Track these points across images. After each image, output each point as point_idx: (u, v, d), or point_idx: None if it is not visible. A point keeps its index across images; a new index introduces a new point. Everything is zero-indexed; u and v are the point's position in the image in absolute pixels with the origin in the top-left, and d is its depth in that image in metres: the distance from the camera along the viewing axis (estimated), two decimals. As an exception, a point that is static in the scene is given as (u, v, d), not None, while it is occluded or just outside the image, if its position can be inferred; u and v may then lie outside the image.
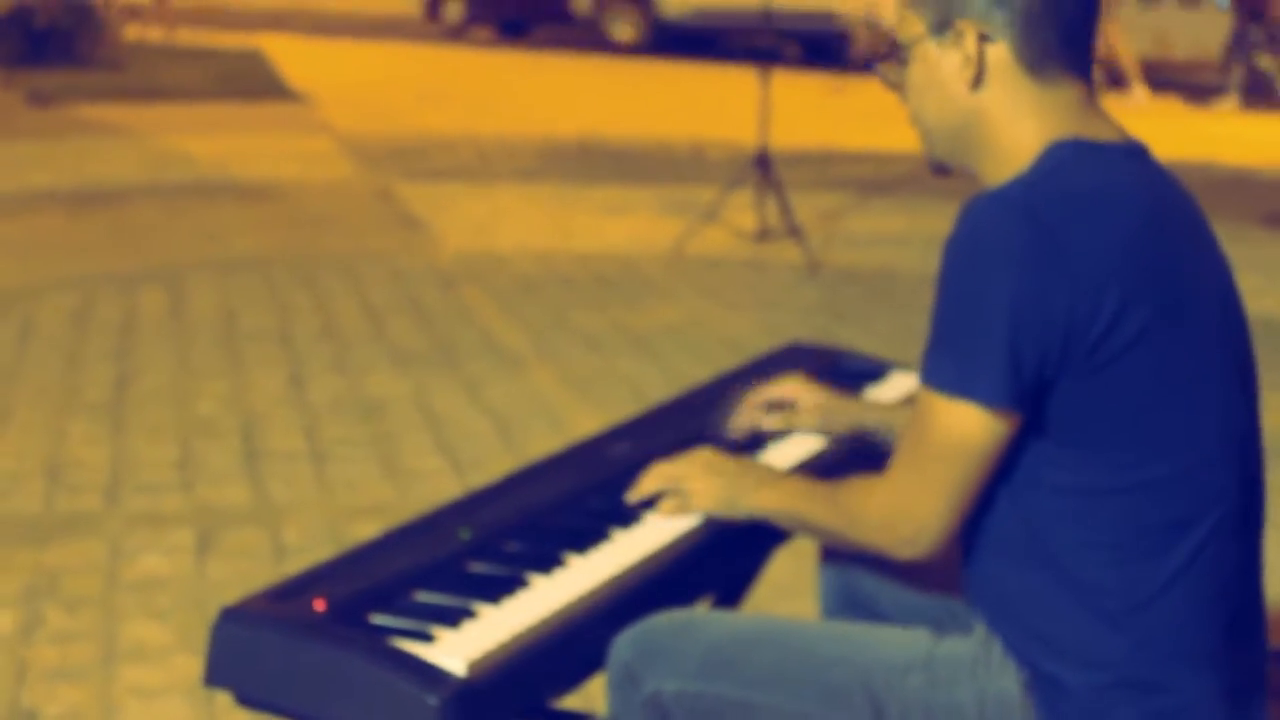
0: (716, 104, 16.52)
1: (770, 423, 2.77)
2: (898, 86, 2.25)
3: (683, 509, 2.42)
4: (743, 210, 9.44)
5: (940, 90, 2.16)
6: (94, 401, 5.81)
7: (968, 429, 2.00)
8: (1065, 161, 2.05)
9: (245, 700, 2.12)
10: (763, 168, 9.13)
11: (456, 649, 2.02)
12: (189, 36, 22.81)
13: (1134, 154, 2.12)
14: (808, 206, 10.04)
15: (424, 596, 2.17)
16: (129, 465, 5.14)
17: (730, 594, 3.04)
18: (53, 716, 3.55)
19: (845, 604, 2.62)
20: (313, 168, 11.69)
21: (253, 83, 17.29)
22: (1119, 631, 2.03)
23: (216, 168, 11.45)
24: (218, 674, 2.10)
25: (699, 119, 15.27)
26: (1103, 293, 1.94)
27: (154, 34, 22.07)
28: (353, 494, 4.95)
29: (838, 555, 2.63)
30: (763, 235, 9.16)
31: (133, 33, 20.09)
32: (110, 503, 4.82)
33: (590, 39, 24.83)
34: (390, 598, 2.16)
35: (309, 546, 4.45)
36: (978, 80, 2.12)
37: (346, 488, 4.99)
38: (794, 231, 8.92)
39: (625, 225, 9.82)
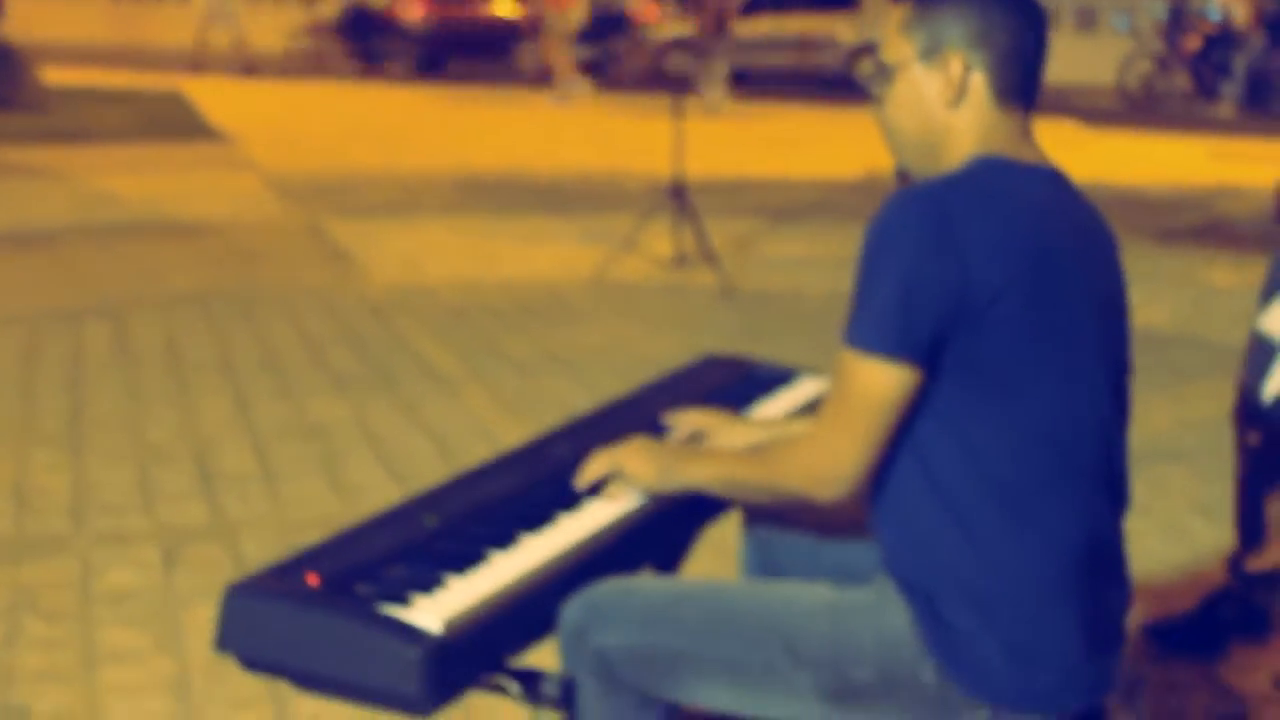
0: (632, 135, 16.94)
1: None
2: (879, 100, 2.65)
3: (627, 486, 2.78)
4: (660, 237, 9.85)
5: (920, 107, 2.58)
6: (51, 431, 6.12)
7: (875, 379, 2.40)
8: (980, 170, 2.49)
9: (251, 664, 2.46)
10: (678, 197, 9.54)
11: (431, 610, 2.38)
12: (108, 79, 23.02)
13: (1046, 175, 2.55)
14: (722, 232, 10.46)
15: (399, 570, 2.53)
16: (91, 489, 5.46)
17: (668, 562, 3.42)
18: (44, 713, 3.87)
19: (761, 565, 3.02)
20: (242, 205, 12.01)
21: (175, 123, 17.58)
22: (992, 566, 2.42)
23: (147, 207, 11.74)
24: (227, 641, 2.45)
25: (616, 151, 15.68)
26: (988, 270, 2.36)
27: (79, 77, 22.23)
28: (303, 508, 5.29)
29: (757, 521, 3.02)
30: (680, 261, 9.56)
31: (55, 75, 20.26)
32: (77, 523, 5.14)
33: (504, 72, 25.31)
34: (371, 572, 2.51)
35: (266, 557, 4.78)
36: (956, 101, 2.54)
37: (297, 503, 5.33)
38: (709, 257, 9.32)
39: (547, 254, 10.20)
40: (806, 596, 2.59)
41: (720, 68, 21.65)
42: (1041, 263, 2.42)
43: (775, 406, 3.46)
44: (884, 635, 2.48)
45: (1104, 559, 2.53)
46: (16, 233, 10.59)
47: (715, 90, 21.22)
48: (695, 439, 3.12)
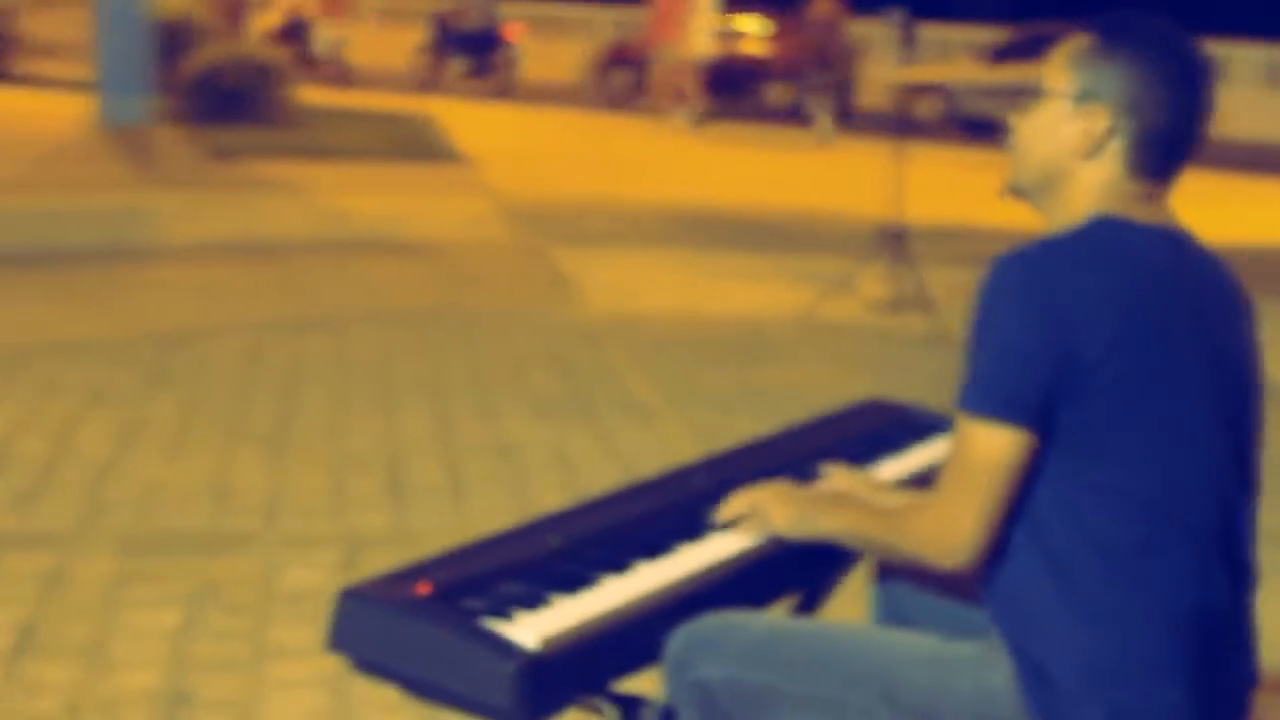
0: (860, 176, 16.96)
1: None
2: (1023, 110, 2.67)
3: (762, 528, 2.85)
4: (875, 281, 9.88)
5: (1055, 142, 2.59)
6: (258, 433, 6.39)
7: (989, 445, 2.44)
8: (1092, 231, 2.50)
9: (360, 665, 2.60)
10: (896, 240, 9.57)
11: (531, 628, 2.48)
12: (365, 100, 23.68)
13: (1165, 235, 2.55)
14: (939, 280, 10.45)
15: (510, 586, 2.64)
16: (285, 491, 5.70)
17: (802, 606, 3.49)
18: (207, 700, 4.08)
19: (889, 617, 3.05)
20: (471, 228, 12.32)
21: (421, 146, 18.02)
22: (1098, 630, 2.43)
23: (379, 226, 12.11)
24: (338, 641, 2.59)
25: (842, 190, 15.71)
26: (1095, 332, 2.38)
27: (331, 97, 22.90)
28: (485, 523, 5.38)
29: (887, 574, 3.07)
30: (894, 305, 9.58)
31: (311, 95, 20.89)
32: (267, 522, 5.37)
33: (749, 108, 25.46)
34: (482, 586, 2.63)
35: (441, 569, 4.95)
36: (1088, 155, 2.56)
37: (480, 518, 5.49)
38: (924, 302, 9.34)
39: (761, 291, 10.29)
40: (911, 645, 2.63)
41: (827, 100, 21.87)
42: (1150, 326, 2.43)
43: (928, 454, 3.46)
44: (984, 691, 2.51)
45: (1221, 631, 2.51)
46: (250, 244, 11.01)
47: (824, 124, 21.43)
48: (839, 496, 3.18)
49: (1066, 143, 2.57)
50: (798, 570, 3.02)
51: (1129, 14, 2.60)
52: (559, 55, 31.56)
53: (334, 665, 4.23)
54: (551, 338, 8.48)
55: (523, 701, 2.40)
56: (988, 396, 2.43)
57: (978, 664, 2.54)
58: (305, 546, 5.15)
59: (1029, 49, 25.71)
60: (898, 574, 3.03)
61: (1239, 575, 2.57)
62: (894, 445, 3.49)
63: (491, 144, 18.54)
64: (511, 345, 8.23)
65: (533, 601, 2.57)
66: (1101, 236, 2.49)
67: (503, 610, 2.53)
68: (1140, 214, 2.55)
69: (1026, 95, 2.67)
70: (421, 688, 2.55)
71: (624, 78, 27.41)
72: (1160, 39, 2.55)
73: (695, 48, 23.66)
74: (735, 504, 2.89)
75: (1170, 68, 2.53)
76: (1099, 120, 2.54)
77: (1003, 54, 26.08)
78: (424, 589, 2.59)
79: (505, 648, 2.42)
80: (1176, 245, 2.56)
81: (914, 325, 9.26)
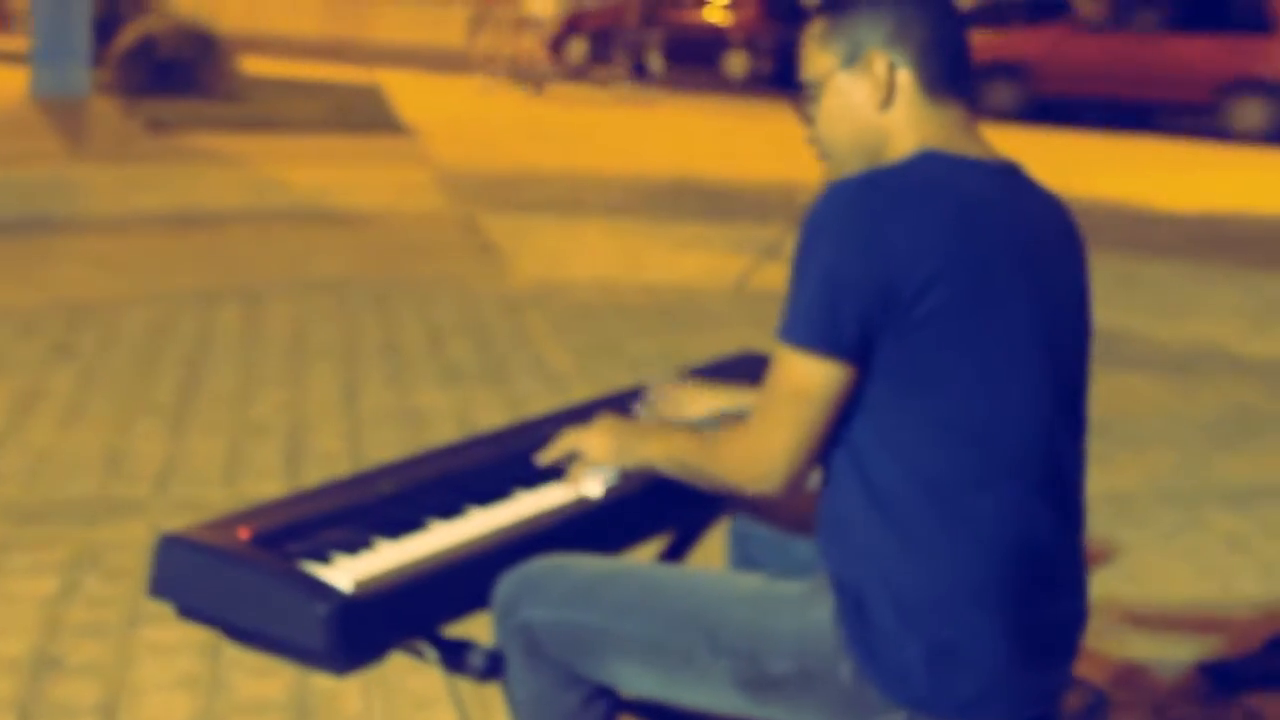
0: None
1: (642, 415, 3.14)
2: (810, 120, 2.63)
3: (583, 467, 2.78)
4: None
5: (852, 114, 2.54)
6: (160, 402, 6.27)
7: (803, 374, 2.37)
8: (914, 163, 2.44)
9: (183, 611, 2.51)
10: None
11: (348, 570, 2.40)
12: (311, 71, 23.55)
13: (994, 169, 2.49)
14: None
15: (334, 532, 2.55)
16: (180, 459, 5.59)
17: (675, 552, 3.41)
18: (77, 665, 3.97)
19: (740, 560, 3.01)
20: (405, 198, 12.20)
21: (364, 116, 17.90)
22: (916, 564, 2.37)
23: (313, 196, 11.98)
24: (159, 587, 2.50)
25: (795, 159, 15.61)
26: (914, 265, 2.31)
27: (276, 67, 22.79)
28: (382, 490, 5.34)
29: (738, 516, 3.00)
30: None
31: (255, 65, 20.76)
32: (158, 491, 5.27)
33: (711, 78, 25.45)
34: (305, 531, 2.54)
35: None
36: (887, 101, 2.51)
37: (377, 485, 5.39)
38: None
39: (697, 259, 10.21)
40: (735, 585, 2.57)
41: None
42: (974, 258, 2.36)
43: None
44: (805, 629, 2.45)
45: (1043, 567, 2.45)
46: (179, 214, 10.87)
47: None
48: (649, 404, 3.12)
49: (862, 106, 2.53)
50: (651, 515, 2.93)
51: None
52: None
53: (207, 632, 4.15)
54: (472, 307, 8.37)
55: (338, 644, 2.33)
56: (804, 327, 2.36)
57: (801, 601, 2.48)
58: (195, 513, 5.02)
59: (995, 16, 25.66)
60: (745, 514, 2.97)
61: (1065, 512, 2.50)
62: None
63: (440, 115, 18.42)
64: (430, 314, 8.13)
65: (354, 545, 2.50)
66: (926, 168, 2.43)
67: (322, 554, 2.46)
68: (967, 148, 2.50)
69: (804, 100, 2.61)
70: (242, 633, 2.48)
71: (580, 47, 27.41)
72: None
73: (534, 8, 24.09)
74: (559, 444, 2.83)
75: None
76: (877, 64, 2.50)
77: (968, 21, 25.98)
78: (244, 533, 2.50)
79: (319, 589, 2.35)
80: (1005, 179, 2.50)
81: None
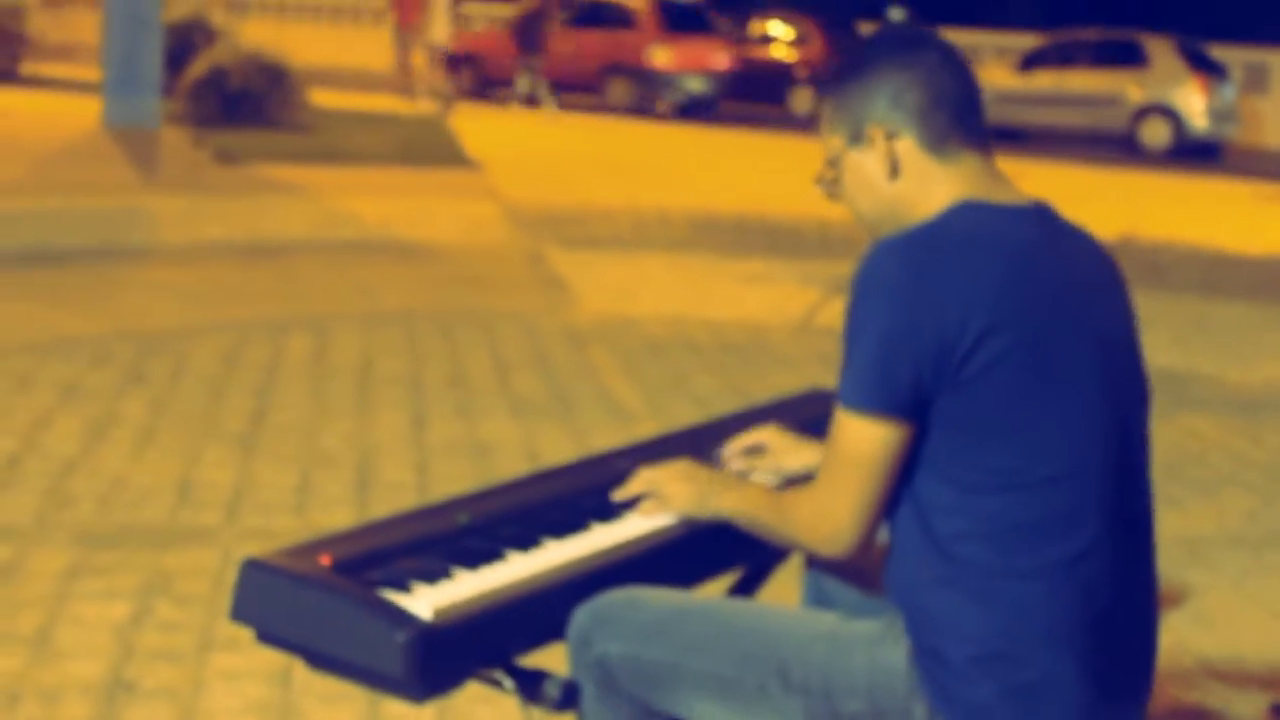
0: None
1: (738, 465, 3.13)
2: (836, 196, 2.69)
3: (659, 508, 2.80)
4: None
5: (869, 188, 2.59)
6: (230, 431, 6.33)
7: (862, 437, 2.39)
8: (954, 215, 2.46)
9: (262, 636, 2.54)
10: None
11: (427, 599, 2.42)
12: (376, 103, 23.73)
13: (1028, 213, 2.51)
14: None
15: (413, 561, 2.57)
16: (251, 488, 5.63)
17: (745, 588, 3.41)
18: (150, 689, 4.01)
19: (817, 597, 3.00)
20: (472, 231, 12.27)
21: (431, 149, 18.03)
22: (989, 611, 2.37)
23: (379, 228, 12.08)
24: (240, 611, 2.53)
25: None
26: (967, 319, 2.32)
27: (343, 99, 23.04)
28: (450, 521, 5.37)
29: (814, 562, 3.01)
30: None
31: (323, 97, 20.94)
32: (228, 519, 5.31)
33: (776, 115, 25.48)
34: (385, 559, 2.57)
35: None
36: (894, 171, 2.55)
37: (445, 516, 5.42)
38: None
39: (763, 296, 10.22)
40: (809, 623, 2.59)
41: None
42: (1025, 304, 2.37)
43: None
44: (879, 668, 2.46)
45: (1117, 607, 2.45)
46: (248, 245, 10.98)
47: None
48: (755, 452, 3.11)
49: (875, 180, 2.57)
50: (725, 551, 2.94)
51: (838, 56, 2.69)
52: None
53: (278, 660, 4.18)
54: (537, 340, 8.41)
55: (416, 672, 2.35)
56: (860, 389, 2.38)
57: (874, 641, 2.49)
58: (264, 541, 5.06)
59: (1060, 56, 25.64)
60: (822, 564, 2.97)
61: (1136, 553, 2.51)
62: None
63: (505, 148, 18.53)
64: (497, 347, 8.17)
65: (433, 575, 2.52)
66: (964, 219, 2.45)
67: (401, 582, 2.48)
68: (996, 195, 2.51)
69: (827, 183, 2.68)
70: (321, 660, 2.51)
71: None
72: (868, 45, 2.60)
73: (434, 35, 24.98)
74: (634, 483, 2.85)
75: (890, 53, 2.55)
76: (876, 138, 2.54)
77: (1033, 61, 25.99)
78: (326, 560, 2.53)
79: (399, 617, 2.37)
80: (1042, 221, 2.52)
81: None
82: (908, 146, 2.53)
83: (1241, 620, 4.98)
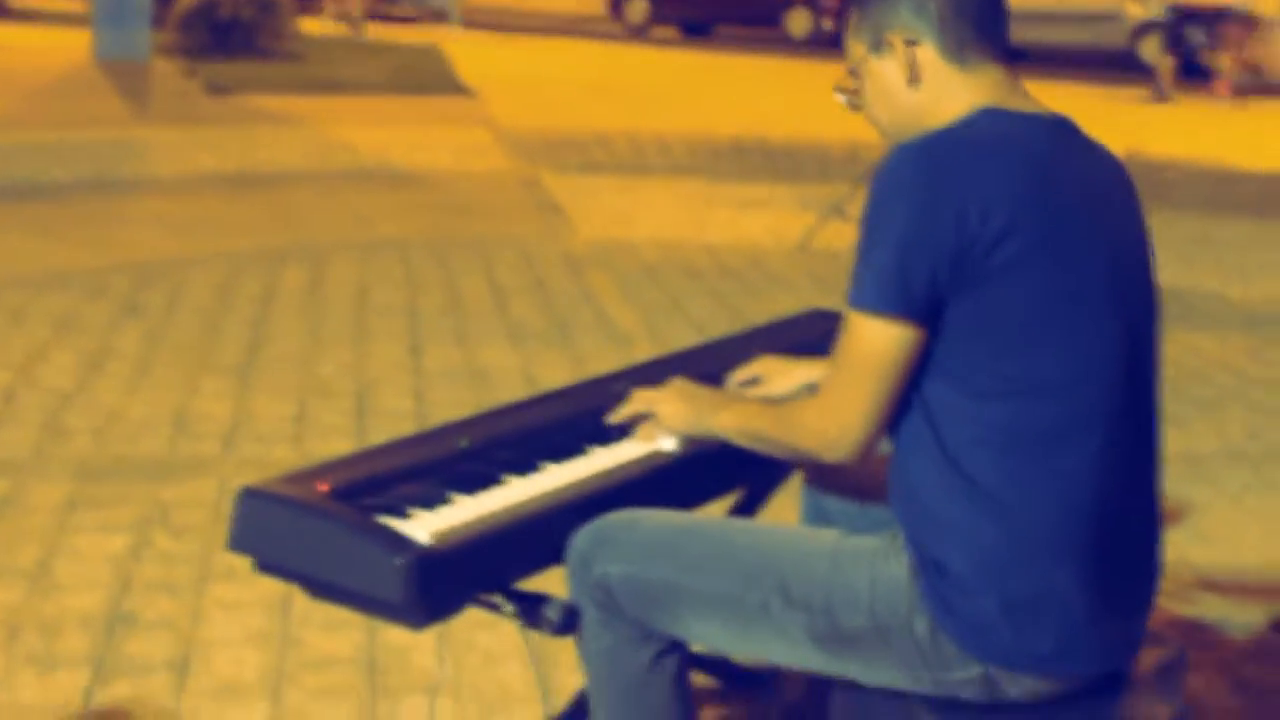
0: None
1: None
2: (857, 106, 2.65)
3: (656, 429, 2.78)
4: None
5: (888, 97, 2.56)
6: (226, 363, 6.30)
7: (875, 338, 2.36)
8: (971, 120, 2.43)
9: (264, 567, 2.52)
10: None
11: (425, 524, 2.40)
12: (371, 31, 23.59)
13: (1049, 122, 2.47)
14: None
15: (411, 486, 2.55)
16: (248, 418, 5.61)
17: (745, 508, 3.40)
18: (150, 620, 4.00)
19: (815, 520, 2.98)
20: (467, 158, 12.20)
21: (426, 77, 17.92)
22: (993, 520, 2.35)
23: (375, 156, 12.00)
24: (239, 541, 2.50)
25: (860, 120, 15.53)
26: (985, 220, 2.29)
27: (336, 28, 22.91)
28: (448, 449, 5.35)
29: (813, 479, 2.99)
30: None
31: (315, 26, 20.81)
32: (225, 449, 5.29)
33: (771, 37, 25.36)
34: (383, 485, 2.54)
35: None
36: (914, 78, 2.51)
37: (443, 443, 5.40)
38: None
39: (761, 219, 10.17)
40: (810, 540, 2.56)
41: None
42: (1043, 208, 2.34)
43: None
44: (880, 583, 2.44)
45: (1121, 521, 2.44)
46: (243, 175, 10.92)
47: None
48: (753, 384, 3.08)
49: (895, 88, 2.54)
50: (718, 474, 2.92)
51: None
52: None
53: (277, 589, 4.16)
54: (534, 265, 8.37)
55: (416, 596, 2.33)
56: (875, 291, 2.35)
57: (876, 556, 2.47)
58: (262, 472, 5.03)
59: None
60: (820, 477, 2.95)
61: (1142, 465, 2.49)
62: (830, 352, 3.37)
63: (500, 75, 18.41)
64: (494, 274, 8.13)
65: (432, 500, 2.50)
66: (986, 124, 2.42)
67: (399, 507, 2.46)
68: (1016, 103, 2.49)
69: (852, 88, 2.65)
70: (320, 587, 2.49)
71: (640, 6, 27.41)
72: None
73: None
74: (631, 404, 2.83)
75: None
76: (896, 45, 2.51)
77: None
78: (323, 487, 2.51)
79: (397, 542, 2.35)
80: (1061, 132, 2.49)
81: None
82: (928, 54, 2.50)
83: (1241, 535, 4.97)
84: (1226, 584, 4.55)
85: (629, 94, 17.61)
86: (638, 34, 26.82)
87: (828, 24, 26.60)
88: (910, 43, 2.50)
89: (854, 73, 2.61)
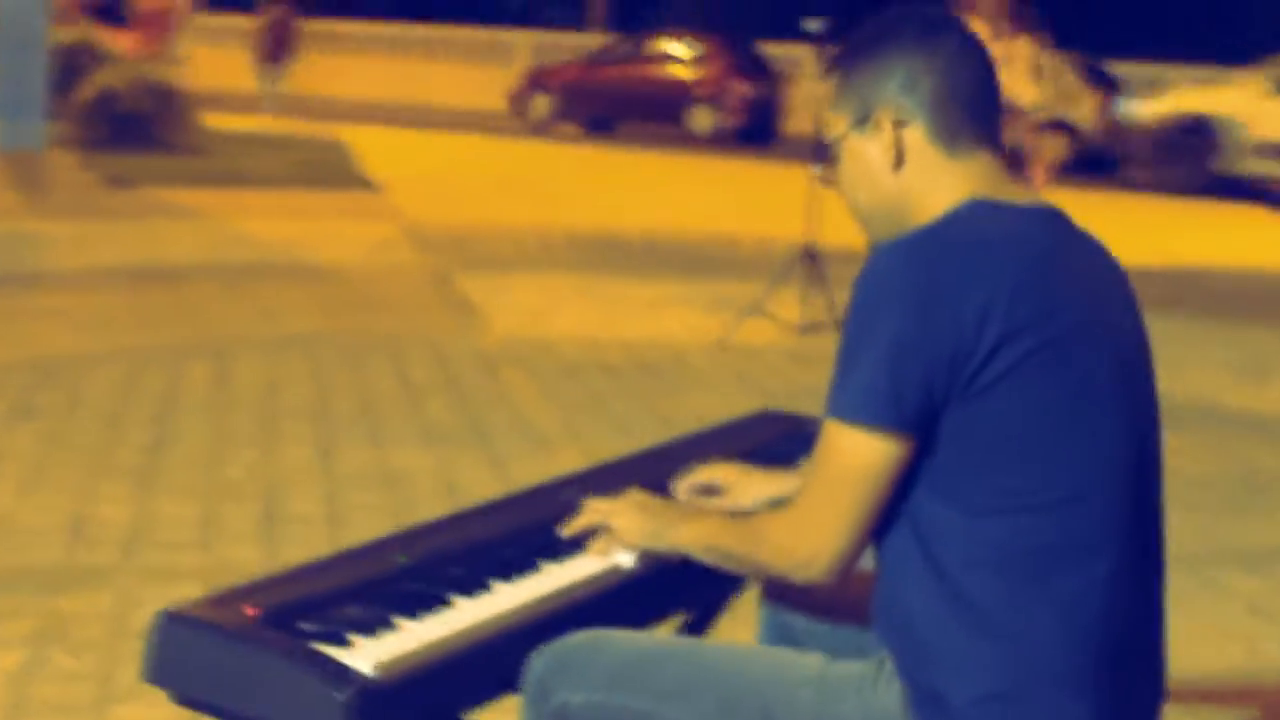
0: (787, 199, 16.69)
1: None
2: (832, 183, 2.43)
3: (610, 545, 2.54)
4: (790, 304, 9.56)
5: (869, 178, 2.35)
6: (126, 465, 5.98)
7: (858, 452, 2.15)
8: (963, 215, 2.22)
9: (183, 700, 2.25)
10: (810, 260, 9.28)
11: (368, 653, 2.14)
12: (274, 125, 23.37)
13: (1040, 214, 2.27)
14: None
15: (350, 609, 2.29)
16: (150, 524, 5.30)
17: (696, 627, 3.15)
18: (45, 748, 3.69)
19: (778, 639, 2.74)
20: (375, 253, 11.94)
21: (330, 171, 17.67)
22: (994, 646, 2.14)
23: (279, 250, 11.72)
24: (157, 674, 2.23)
25: (768, 214, 15.42)
26: (984, 324, 2.09)
27: (239, 121, 22.68)
28: (365, 556, 5.07)
29: (775, 595, 2.75)
30: (807, 328, 9.29)
31: (218, 119, 20.56)
32: (126, 557, 4.98)
33: (674, 134, 25.37)
34: (319, 608, 2.28)
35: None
36: (899, 162, 2.30)
37: (359, 549, 5.12)
38: (839, 324, 9.03)
39: (677, 316, 9.97)
40: (794, 665, 2.34)
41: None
42: (1043, 309, 2.15)
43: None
44: (871, 714, 2.22)
45: (1129, 642, 2.23)
46: (143, 269, 10.59)
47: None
48: (710, 493, 2.85)
49: (878, 168, 2.33)
50: (679, 589, 2.69)
51: (848, 32, 2.42)
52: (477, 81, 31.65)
53: (184, 714, 3.86)
54: (449, 364, 8.11)
55: (357, 734, 2.06)
56: (861, 400, 2.14)
57: (865, 684, 2.26)
58: (166, 581, 4.75)
59: None
60: (786, 596, 2.71)
61: (1151, 587, 2.29)
62: (786, 458, 3.13)
63: (405, 170, 18.20)
64: (406, 372, 7.86)
65: (373, 625, 2.25)
66: (978, 219, 2.22)
67: (339, 635, 2.20)
68: (1007, 194, 2.29)
69: (827, 163, 2.43)
70: (250, 724, 2.20)
71: (544, 103, 27.41)
72: (885, 21, 2.36)
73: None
74: (584, 516, 2.59)
75: (908, 32, 2.31)
76: (883, 123, 2.30)
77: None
78: (251, 611, 2.24)
79: (339, 673, 2.10)
80: (1055, 225, 2.29)
81: (828, 347, 8.92)
82: (917, 137, 2.29)
83: (1194, 641, 4.77)
84: (1188, 695, 4.35)
85: (536, 189, 17.44)
86: (540, 130, 26.77)
87: (729, 121, 26.61)
88: (899, 124, 2.30)
89: (828, 148, 2.40)
